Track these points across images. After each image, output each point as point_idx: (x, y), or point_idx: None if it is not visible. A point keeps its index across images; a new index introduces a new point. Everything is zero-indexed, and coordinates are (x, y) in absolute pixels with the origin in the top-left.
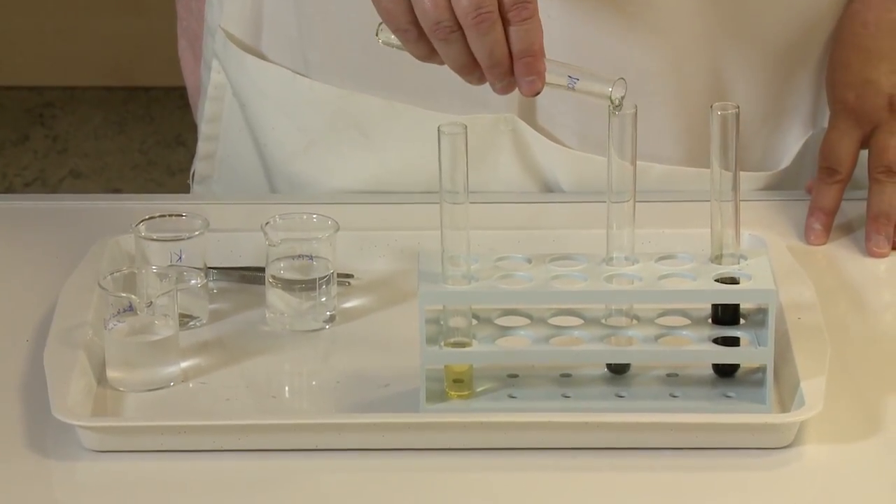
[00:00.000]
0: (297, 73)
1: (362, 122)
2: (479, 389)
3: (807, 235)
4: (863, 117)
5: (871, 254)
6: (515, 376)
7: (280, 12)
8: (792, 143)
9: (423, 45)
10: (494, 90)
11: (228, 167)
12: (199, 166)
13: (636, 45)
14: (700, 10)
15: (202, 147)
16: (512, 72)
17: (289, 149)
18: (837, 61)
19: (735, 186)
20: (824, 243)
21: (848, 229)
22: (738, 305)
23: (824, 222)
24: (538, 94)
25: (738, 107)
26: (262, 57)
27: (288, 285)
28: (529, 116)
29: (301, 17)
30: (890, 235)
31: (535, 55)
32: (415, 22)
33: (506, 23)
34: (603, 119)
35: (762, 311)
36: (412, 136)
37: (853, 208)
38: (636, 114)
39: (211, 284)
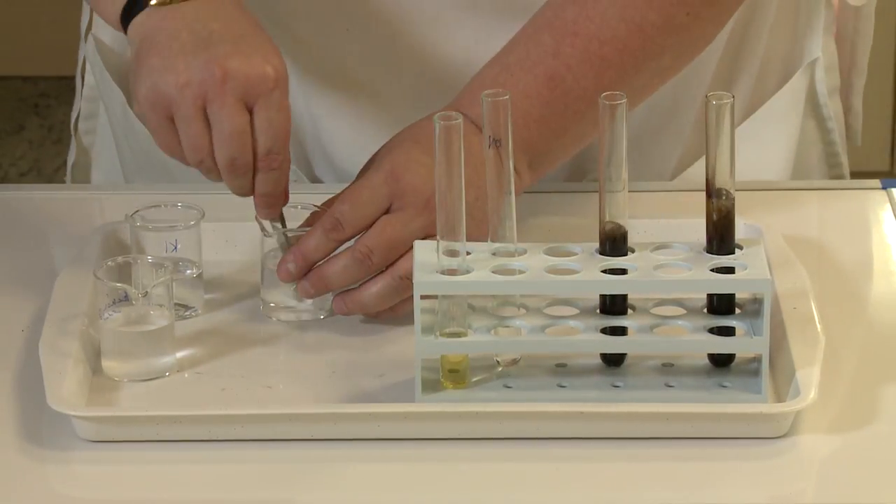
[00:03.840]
0: (129, 107)
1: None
2: (474, 379)
3: (279, 269)
4: (393, 195)
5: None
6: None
7: None
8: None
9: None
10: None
11: (106, 160)
12: (84, 139)
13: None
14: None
15: (83, 132)
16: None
17: (129, 164)
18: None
19: (732, 175)
20: (290, 282)
21: (842, 218)
22: (733, 295)
23: (302, 267)
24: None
25: (734, 97)
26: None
27: None
28: None
29: None
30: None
31: (276, 197)
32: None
33: (256, 169)
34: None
35: (757, 301)
36: None
37: (850, 197)
38: (626, 103)
39: (205, 275)
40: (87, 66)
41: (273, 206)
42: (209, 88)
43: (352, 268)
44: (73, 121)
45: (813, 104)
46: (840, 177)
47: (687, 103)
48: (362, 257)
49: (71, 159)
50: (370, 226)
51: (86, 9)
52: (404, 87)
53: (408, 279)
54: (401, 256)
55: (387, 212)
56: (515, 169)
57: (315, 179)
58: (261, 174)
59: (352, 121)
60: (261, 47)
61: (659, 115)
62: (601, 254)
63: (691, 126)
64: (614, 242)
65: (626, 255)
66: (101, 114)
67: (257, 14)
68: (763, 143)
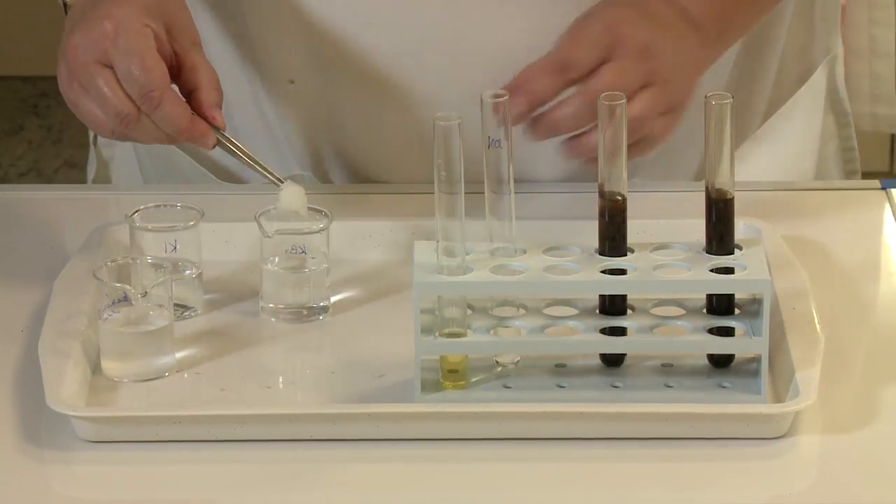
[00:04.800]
0: None
1: (184, 173)
2: (473, 380)
3: (512, 110)
4: (612, 45)
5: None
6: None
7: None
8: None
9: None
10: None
11: (127, 172)
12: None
13: None
14: None
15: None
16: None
17: (147, 172)
18: None
19: (731, 175)
20: (518, 124)
21: (842, 219)
22: (732, 295)
23: (532, 105)
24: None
25: (733, 97)
26: None
27: (282, 276)
28: None
29: None
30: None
31: (182, 131)
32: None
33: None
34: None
35: (757, 301)
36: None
37: (849, 197)
38: (625, 104)
39: (205, 275)
40: None
41: (195, 138)
42: (72, 68)
43: (583, 110)
44: (91, 134)
45: (832, 100)
46: (856, 171)
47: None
48: (593, 100)
49: (91, 173)
50: (592, 71)
51: None
52: (430, 82)
53: (637, 121)
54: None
55: (604, 62)
56: (705, 42)
57: (327, 181)
58: (152, 117)
59: (375, 119)
60: (107, 6)
61: (686, 117)
62: (600, 254)
63: None
64: (613, 213)
65: (625, 255)
66: None
67: (277, 8)
68: (787, 142)
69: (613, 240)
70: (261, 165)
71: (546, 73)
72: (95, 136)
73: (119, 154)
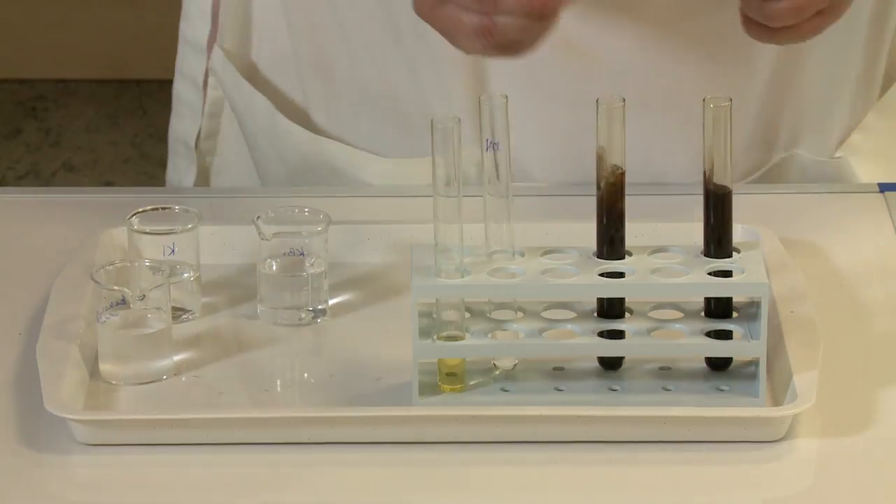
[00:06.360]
0: (277, 110)
1: (333, 165)
2: (471, 383)
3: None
4: None
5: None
6: (508, 370)
7: (271, 25)
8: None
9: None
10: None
11: (230, 175)
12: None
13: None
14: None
15: (203, 151)
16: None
17: (275, 175)
18: None
19: (730, 178)
20: None
21: (840, 222)
22: (730, 299)
23: None
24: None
25: (731, 100)
26: (255, 72)
27: (280, 279)
28: None
29: (292, 30)
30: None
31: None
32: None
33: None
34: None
35: (755, 305)
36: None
37: (847, 200)
38: (624, 106)
39: (203, 278)
40: (212, 81)
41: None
42: None
43: None
44: (194, 140)
45: None
46: None
47: (844, 72)
48: None
49: (191, 177)
50: None
51: (201, 21)
52: (579, 75)
53: None
54: None
55: None
56: None
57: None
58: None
59: (536, 105)
60: None
61: (822, 97)
62: (598, 257)
63: (852, 94)
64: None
65: (623, 258)
66: (222, 129)
67: None
68: None
69: (611, 243)
70: None
71: None
72: (198, 142)
73: (219, 160)
